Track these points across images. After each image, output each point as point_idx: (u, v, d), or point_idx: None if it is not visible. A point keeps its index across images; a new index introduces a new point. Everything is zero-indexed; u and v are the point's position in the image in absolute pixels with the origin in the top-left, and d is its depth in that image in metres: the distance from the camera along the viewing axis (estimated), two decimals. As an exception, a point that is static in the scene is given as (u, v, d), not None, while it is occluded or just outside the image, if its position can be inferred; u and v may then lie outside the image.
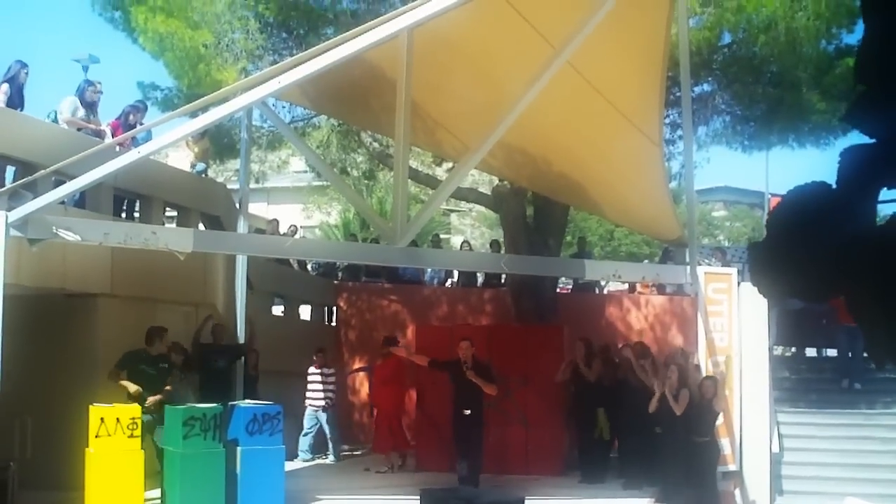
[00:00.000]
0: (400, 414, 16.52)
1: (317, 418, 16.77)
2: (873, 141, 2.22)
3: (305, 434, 16.76)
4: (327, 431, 16.82)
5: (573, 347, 15.34)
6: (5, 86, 12.93)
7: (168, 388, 12.58)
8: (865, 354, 18.43)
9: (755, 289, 2.36)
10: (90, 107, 14.40)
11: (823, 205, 2.19)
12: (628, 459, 14.41)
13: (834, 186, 2.22)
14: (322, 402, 16.73)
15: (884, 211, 2.29)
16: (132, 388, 11.72)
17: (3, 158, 12.29)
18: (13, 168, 12.50)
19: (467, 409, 13.66)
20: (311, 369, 16.84)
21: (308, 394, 16.80)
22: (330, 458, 16.87)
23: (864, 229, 2.16)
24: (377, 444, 16.66)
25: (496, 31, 11.83)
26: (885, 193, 2.24)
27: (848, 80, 16.20)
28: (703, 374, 13.29)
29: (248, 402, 12.62)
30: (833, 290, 2.24)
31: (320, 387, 16.78)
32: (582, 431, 15.19)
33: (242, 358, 14.46)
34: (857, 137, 2.33)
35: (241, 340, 14.68)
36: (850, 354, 17.96)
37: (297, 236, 21.88)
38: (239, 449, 11.77)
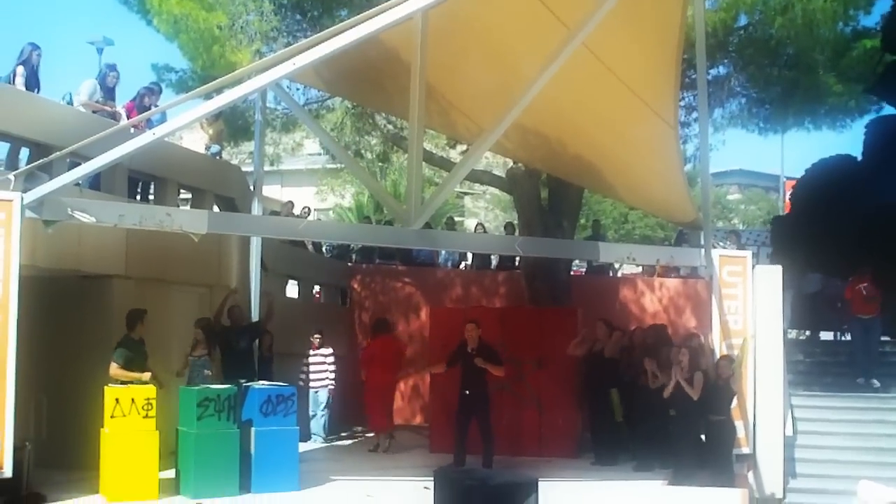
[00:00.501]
0: (388, 394, 16.55)
1: (317, 399, 16.80)
2: None
3: (314, 415, 16.78)
4: (320, 413, 16.86)
5: (593, 327, 15.28)
6: (21, 68, 12.94)
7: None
8: (886, 338, 18.40)
9: (779, 268, 2.35)
10: (111, 91, 14.41)
11: (848, 177, 2.17)
12: (642, 441, 14.40)
13: (859, 160, 2.20)
14: (320, 384, 16.77)
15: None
16: (144, 376, 11.72)
17: (18, 140, 12.31)
18: (28, 149, 12.52)
19: (472, 390, 13.78)
20: (310, 351, 16.84)
21: (310, 375, 16.82)
22: (319, 440, 16.85)
23: (889, 201, 2.14)
24: (371, 423, 16.74)
25: (511, 13, 11.77)
26: None
27: (865, 63, 16.17)
28: (717, 356, 13.28)
29: (262, 384, 12.68)
30: (857, 263, 2.22)
31: (318, 368, 16.81)
32: (595, 413, 15.18)
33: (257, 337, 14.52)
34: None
35: (255, 318, 14.74)
36: (865, 348, 17.84)
37: (310, 218, 21.89)
38: (253, 430, 11.83)
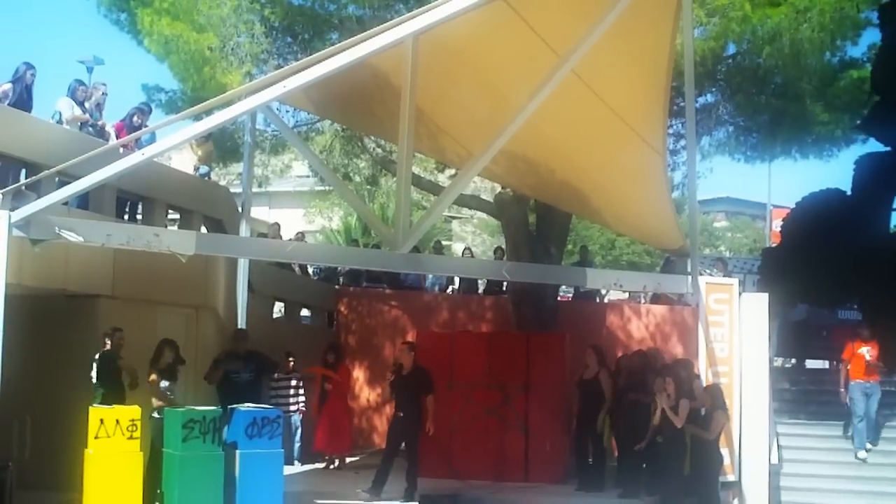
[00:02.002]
0: (343, 418, 16.71)
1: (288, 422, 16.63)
2: (888, 149, 2.21)
3: None
4: (296, 436, 16.73)
5: (584, 354, 15.22)
6: (8, 85, 12.95)
7: None
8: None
9: (765, 296, 2.37)
10: (82, 105, 14.39)
11: (838, 212, 2.18)
12: (628, 468, 14.36)
13: (848, 193, 2.21)
14: (294, 408, 16.64)
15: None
16: None
17: (6, 158, 12.28)
18: (16, 168, 12.48)
19: (405, 412, 13.76)
20: (279, 375, 16.42)
21: (279, 399, 16.24)
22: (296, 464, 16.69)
23: (878, 236, 2.15)
24: (317, 443, 16.73)
25: (501, 39, 11.82)
26: None
27: (852, 92, 16.25)
28: (703, 384, 13.28)
29: (247, 406, 12.61)
30: (846, 296, 2.23)
31: (291, 391, 16.67)
32: (582, 439, 15.12)
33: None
34: (859, 149, 2.33)
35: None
36: (865, 417, 16.73)
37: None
38: (238, 452, 11.75)
